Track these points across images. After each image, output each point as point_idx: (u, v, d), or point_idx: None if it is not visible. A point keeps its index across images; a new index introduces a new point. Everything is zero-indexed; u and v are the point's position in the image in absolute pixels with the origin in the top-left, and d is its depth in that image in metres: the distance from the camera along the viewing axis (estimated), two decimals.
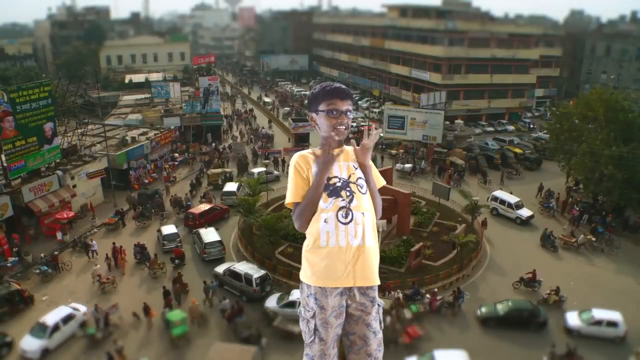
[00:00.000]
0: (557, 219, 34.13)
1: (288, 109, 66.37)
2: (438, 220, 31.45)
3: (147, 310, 22.01)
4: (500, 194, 35.14)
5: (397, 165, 43.39)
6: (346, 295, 2.64)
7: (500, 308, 22.50)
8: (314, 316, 2.60)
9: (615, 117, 33.52)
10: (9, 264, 26.36)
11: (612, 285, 25.82)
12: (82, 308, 22.03)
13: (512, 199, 34.11)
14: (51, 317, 20.87)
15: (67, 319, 21.10)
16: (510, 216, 33.53)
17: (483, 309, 22.74)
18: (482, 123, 60.63)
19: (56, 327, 20.46)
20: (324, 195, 2.62)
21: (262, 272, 24.30)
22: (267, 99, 72.34)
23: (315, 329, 2.60)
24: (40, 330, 20.31)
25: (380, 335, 2.75)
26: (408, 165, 43.40)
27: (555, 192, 36.70)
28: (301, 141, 47.91)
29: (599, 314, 21.94)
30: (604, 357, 20.45)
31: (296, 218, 2.67)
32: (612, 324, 21.47)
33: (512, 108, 64.01)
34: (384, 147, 47.95)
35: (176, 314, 21.57)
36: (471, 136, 52.24)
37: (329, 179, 2.64)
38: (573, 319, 22.14)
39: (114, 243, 27.76)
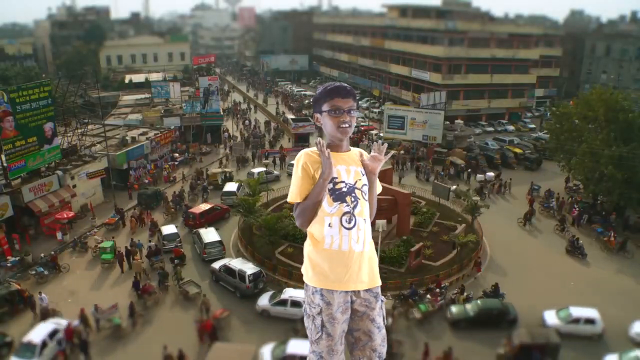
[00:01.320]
0: (557, 219, 34.10)
1: None
2: (438, 220, 31.44)
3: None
4: None
5: (478, 176, 39.73)
6: (351, 291, 2.67)
7: (470, 308, 22.39)
8: (320, 312, 2.62)
9: (615, 117, 33.51)
10: (9, 264, 26.35)
11: (612, 286, 25.82)
12: (64, 322, 20.96)
13: None
14: (36, 335, 19.69)
15: (53, 334, 19.99)
16: None
17: (453, 310, 22.57)
18: (482, 123, 60.66)
19: (44, 344, 19.41)
20: (330, 199, 2.65)
21: (256, 269, 24.47)
22: (290, 116, 61.40)
23: (322, 325, 2.62)
24: (27, 350, 19.11)
25: (383, 330, 2.77)
26: (490, 174, 39.83)
27: (555, 192, 36.72)
28: (301, 141, 48.01)
29: (577, 311, 21.88)
30: (583, 356, 20.37)
31: (297, 216, 2.71)
32: (589, 321, 21.48)
33: (512, 108, 64.03)
34: None
35: (107, 243, 27.60)
36: (471, 136, 52.28)
37: (336, 183, 2.66)
38: (551, 317, 22.04)
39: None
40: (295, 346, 18.41)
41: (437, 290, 23.75)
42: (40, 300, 22.69)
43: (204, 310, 22.27)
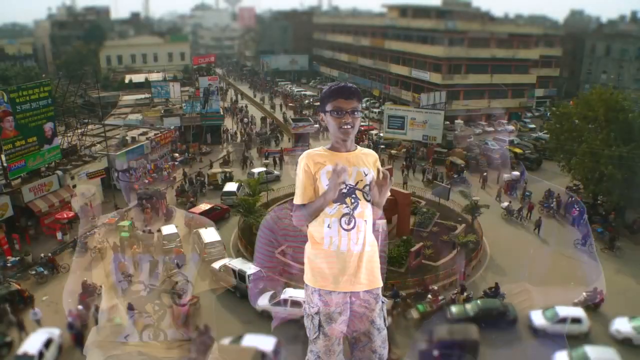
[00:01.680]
0: (558, 219, 34.10)
1: None
2: (438, 220, 31.40)
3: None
4: None
5: (505, 176, 39.25)
6: (350, 292, 2.66)
7: (470, 308, 22.33)
8: (318, 312, 2.62)
9: (615, 117, 33.47)
10: (9, 264, 26.32)
11: (613, 286, 25.76)
12: (56, 331, 20.48)
13: None
14: (32, 346, 18.83)
15: (48, 343, 19.24)
16: None
17: (453, 310, 22.53)
18: (482, 123, 60.62)
19: (41, 355, 18.61)
20: None
21: (256, 269, 24.40)
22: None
23: (320, 325, 2.62)
24: None
25: (384, 332, 2.77)
26: (516, 173, 39.15)
27: (555, 192, 36.68)
28: (301, 141, 47.99)
29: (563, 311, 21.77)
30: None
31: (295, 218, 2.73)
32: (576, 320, 21.42)
33: (512, 108, 64.00)
34: (384, 147, 47.92)
35: (125, 222, 29.54)
36: (471, 136, 52.28)
37: None
38: (538, 318, 21.93)
39: None
40: (250, 340, 18.65)
41: (433, 289, 23.72)
42: (33, 315, 21.91)
43: (176, 297, 22.45)
